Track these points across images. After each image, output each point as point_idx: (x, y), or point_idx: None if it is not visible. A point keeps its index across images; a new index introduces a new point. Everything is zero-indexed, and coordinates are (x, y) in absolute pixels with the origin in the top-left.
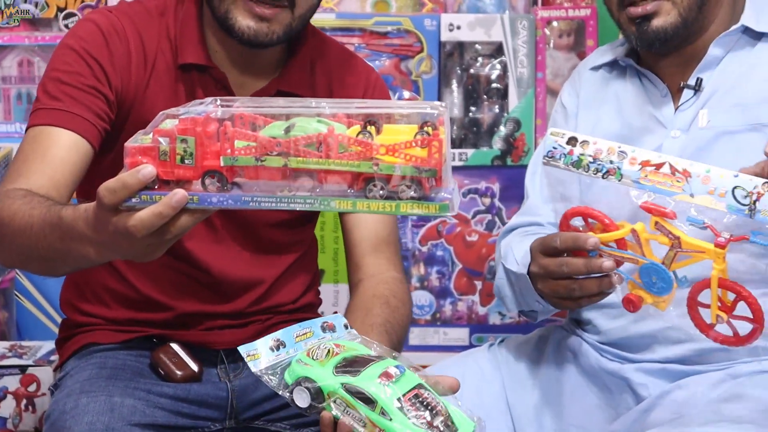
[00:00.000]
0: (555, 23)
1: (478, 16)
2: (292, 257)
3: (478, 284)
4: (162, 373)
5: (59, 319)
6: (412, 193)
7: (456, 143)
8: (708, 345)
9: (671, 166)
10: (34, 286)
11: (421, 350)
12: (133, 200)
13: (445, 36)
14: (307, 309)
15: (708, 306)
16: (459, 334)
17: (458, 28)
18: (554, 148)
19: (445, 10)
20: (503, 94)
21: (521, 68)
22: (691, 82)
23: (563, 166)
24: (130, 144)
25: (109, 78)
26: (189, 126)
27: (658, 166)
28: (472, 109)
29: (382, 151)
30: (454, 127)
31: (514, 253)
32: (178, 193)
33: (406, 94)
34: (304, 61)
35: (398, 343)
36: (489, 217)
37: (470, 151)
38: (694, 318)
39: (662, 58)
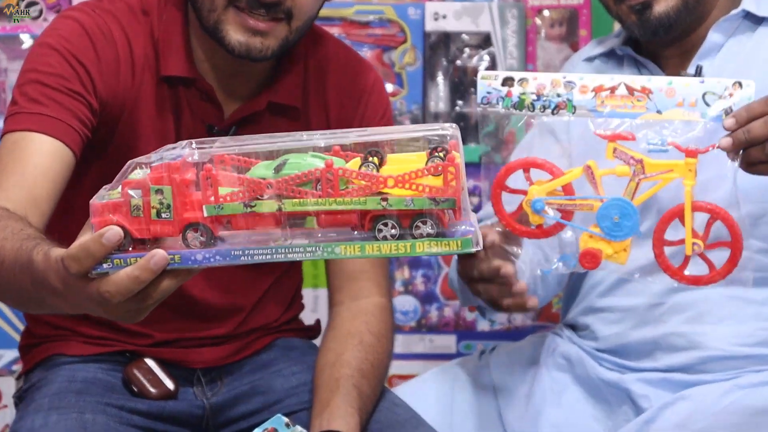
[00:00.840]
0: (546, 12)
1: (465, 5)
2: (276, 274)
3: None
4: (135, 390)
5: (21, 327)
6: (428, 230)
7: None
8: (714, 353)
9: (627, 86)
10: None
11: (405, 359)
12: (105, 266)
13: (430, 25)
14: (290, 322)
15: (674, 243)
16: (446, 342)
17: (444, 17)
18: (488, 93)
19: None
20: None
21: (511, 59)
22: (691, 70)
23: (503, 111)
24: (96, 201)
25: (95, 84)
26: (164, 174)
27: (613, 89)
28: (459, 103)
29: (390, 183)
30: (440, 122)
31: None
32: (157, 254)
33: (389, 87)
34: (297, 67)
35: (372, 389)
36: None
37: None
38: (661, 260)
39: (663, 48)
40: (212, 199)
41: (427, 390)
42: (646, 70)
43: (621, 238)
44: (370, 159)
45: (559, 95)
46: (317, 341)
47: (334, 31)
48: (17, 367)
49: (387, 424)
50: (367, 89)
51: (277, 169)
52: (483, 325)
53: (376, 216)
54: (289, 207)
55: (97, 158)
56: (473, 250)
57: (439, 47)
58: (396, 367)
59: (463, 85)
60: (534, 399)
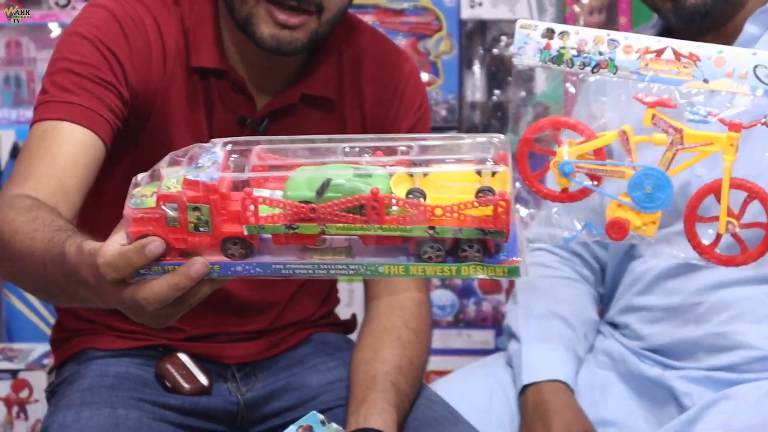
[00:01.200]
0: None
1: None
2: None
3: (505, 282)
4: (168, 385)
5: (52, 320)
6: (474, 253)
7: (479, 129)
8: (757, 353)
9: (674, 51)
10: None
11: (443, 354)
12: (142, 271)
13: (466, 13)
14: (325, 317)
15: (707, 220)
16: (484, 337)
17: (480, 4)
18: (525, 43)
19: None
20: (529, 77)
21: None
22: None
23: (539, 64)
24: (131, 209)
25: (127, 75)
26: (201, 194)
27: (659, 53)
28: (496, 92)
29: (438, 212)
30: (477, 112)
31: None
32: (198, 262)
33: (425, 76)
34: (331, 58)
35: (410, 386)
36: None
37: None
38: (692, 235)
39: (699, 37)
40: (252, 219)
41: (465, 386)
42: None
43: (652, 210)
44: (416, 194)
45: (601, 53)
46: (353, 336)
47: (368, 19)
48: (48, 361)
49: (424, 421)
50: (403, 80)
51: (320, 191)
52: None
53: (422, 238)
54: (333, 231)
55: (129, 148)
56: (520, 277)
57: (476, 35)
58: (433, 363)
59: (500, 73)
60: (578, 396)
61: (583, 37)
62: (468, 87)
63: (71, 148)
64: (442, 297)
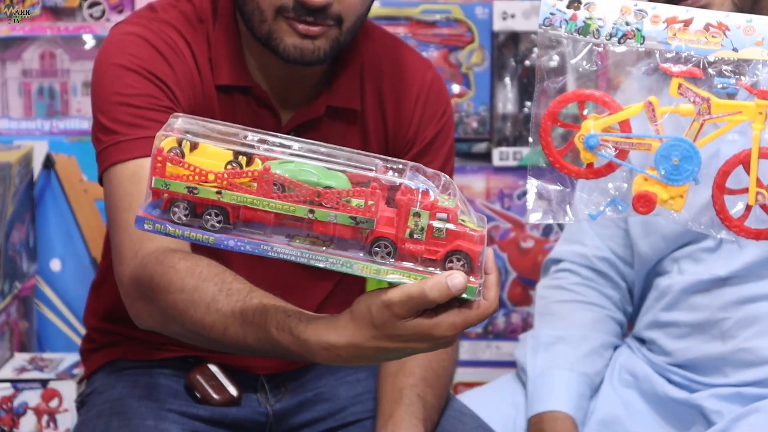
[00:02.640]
0: None
1: (533, 3)
2: (335, 279)
3: (534, 294)
4: (198, 396)
5: (83, 331)
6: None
7: (510, 141)
8: None
9: (704, 21)
10: (56, 295)
11: (472, 366)
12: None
13: (498, 25)
14: None
15: (736, 192)
16: (513, 349)
17: (512, 16)
18: (552, 14)
19: None
20: (561, 88)
21: (581, 60)
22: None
23: (565, 35)
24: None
25: (178, 99)
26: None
27: (687, 23)
28: (528, 104)
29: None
30: (508, 124)
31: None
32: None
33: (456, 88)
34: (353, 67)
35: (437, 398)
36: None
37: (525, 150)
38: (720, 209)
39: None
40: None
41: (494, 398)
42: None
43: (680, 182)
44: (239, 158)
45: (628, 24)
46: None
47: (400, 30)
48: (78, 371)
49: None
50: (425, 87)
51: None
52: None
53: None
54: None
55: None
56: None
57: (508, 47)
58: (462, 375)
59: (532, 86)
60: (601, 414)
61: (610, 7)
62: (499, 99)
63: None
64: None
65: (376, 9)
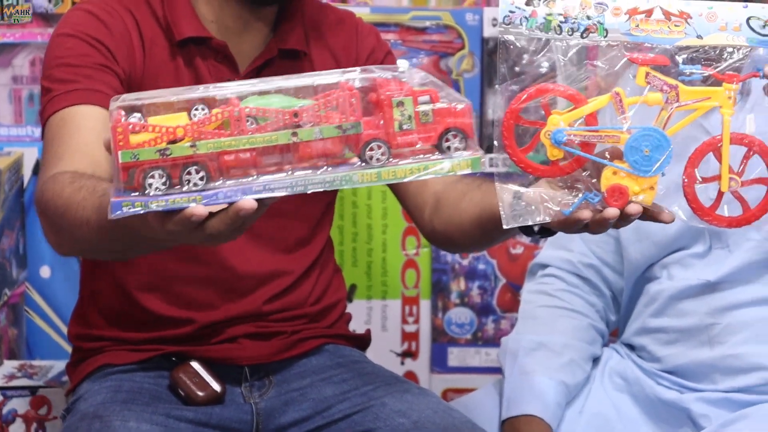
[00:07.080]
0: None
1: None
2: (309, 254)
3: None
4: (182, 394)
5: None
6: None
7: (501, 148)
8: None
9: (663, 11)
10: (45, 302)
11: (461, 372)
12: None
13: (489, 31)
14: (330, 309)
15: (708, 180)
16: None
17: None
18: (511, 12)
19: (488, 4)
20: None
21: (571, 66)
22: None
23: (527, 32)
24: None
25: (116, 57)
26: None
27: (648, 13)
28: None
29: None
30: (498, 130)
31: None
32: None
33: (403, 64)
34: (296, 15)
35: None
36: None
37: None
38: (692, 198)
39: None
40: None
41: (483, 404)
42: None
43: (651, 174)
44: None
45: (589, 17)
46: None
47: (390, 36)
48: (67, 379)
49: (443, 427)
50: (356, 20)
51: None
52: None
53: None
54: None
55: None
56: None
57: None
58: (451, 381)
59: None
60: (589, 416)
61: (569, 2)
62: (489, 105)
63: (91, 124)
64: (461, 315)
65: (366, 15)
